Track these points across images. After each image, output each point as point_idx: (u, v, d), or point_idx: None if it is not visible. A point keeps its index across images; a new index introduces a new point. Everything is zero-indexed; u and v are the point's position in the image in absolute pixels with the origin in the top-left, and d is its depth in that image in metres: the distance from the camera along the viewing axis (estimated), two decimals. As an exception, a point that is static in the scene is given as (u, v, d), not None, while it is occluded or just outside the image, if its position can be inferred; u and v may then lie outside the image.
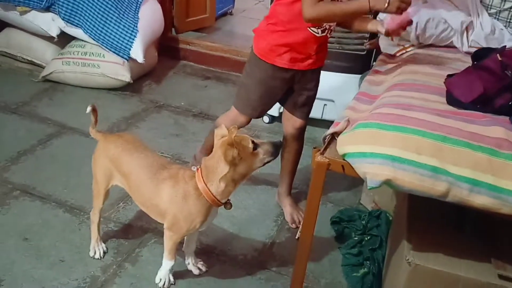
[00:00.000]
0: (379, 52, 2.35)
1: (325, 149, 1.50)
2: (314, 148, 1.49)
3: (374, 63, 2.77)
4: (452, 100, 1.55)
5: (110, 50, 3.19)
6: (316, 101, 2.87)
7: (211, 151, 1.64)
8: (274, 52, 1.89)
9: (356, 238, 2.12)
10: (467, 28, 2.08)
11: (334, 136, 1.55)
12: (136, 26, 3.23)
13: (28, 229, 2.09)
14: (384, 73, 2.03)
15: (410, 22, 1.79)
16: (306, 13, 1.71)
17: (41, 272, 1.88)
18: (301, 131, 2.16)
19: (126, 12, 3.24)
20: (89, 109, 1.87)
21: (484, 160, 1.28)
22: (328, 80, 2.84)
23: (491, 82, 1.52)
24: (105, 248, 2.00)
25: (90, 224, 1.97)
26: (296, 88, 2.03)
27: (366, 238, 2.11)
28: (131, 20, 3.24)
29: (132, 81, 3.25)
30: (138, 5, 3.33)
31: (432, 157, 1.30)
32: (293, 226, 2.25)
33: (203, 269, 1.95)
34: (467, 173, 1.27)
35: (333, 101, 2.90)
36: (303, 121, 2.13)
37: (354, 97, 1.83)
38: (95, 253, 1.97)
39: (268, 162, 1.62)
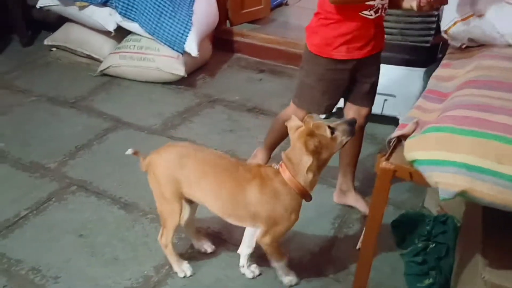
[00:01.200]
0: (446, 45, 2.17)
1: (391, 153, 1.38)
2: (379, 153, 1.37)
3: (440, 55, 2.59)
4: (536, 100, 1.39)
5: (165, 44, 3.18)
6: (377, 96, 2.78)
7: (274, 147, 1.61)
8: (330, 46, 1.83)
9: (420, 245, 1.98)
10: None
11: (400, 139, 1.42)
12: (191, 20, 3.19)
13: (84, 226, 2.10)
14: (454, 67, 1.86)
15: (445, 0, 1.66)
16: None
17: (95, 270, 1.88)
18: (366, 120, 2.09)
19: (181, 6, 3.21)
20: (130, 151, 1.77)
21: None
22: (390, 74, 2.69)
23: None
24: (190, 268, 1.88)
25: (163, 250, 1.84)
26: (358, 77, 1.95)
27: (431, 245, 1.96)
28: (186, 14, 3.20)
29: (186, 75, 3.22)
30: (193, -3, 3.29)
31: (516, 166, 1.15)
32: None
33: (257, 272, 1.89)
34: (558, 186, 1.12)
35: (394, 96, 2.74)
36: (369, 108, 2.06)
37: (422, 95, 1.68)
38: (184, 273, 1.87)
39: (347, 142, 1.61)
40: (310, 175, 1.60)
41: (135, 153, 1.77)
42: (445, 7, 2.05)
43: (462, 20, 1.89)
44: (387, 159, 1.34)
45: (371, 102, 2.06)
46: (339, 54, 1.84)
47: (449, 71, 1.84)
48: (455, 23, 1.92)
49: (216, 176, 1.67)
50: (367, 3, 1.73)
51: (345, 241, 2.09)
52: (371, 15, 1.76)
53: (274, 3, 4.45)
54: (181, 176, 1.68)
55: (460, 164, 1.19)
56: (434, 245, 1.96)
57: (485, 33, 1.88)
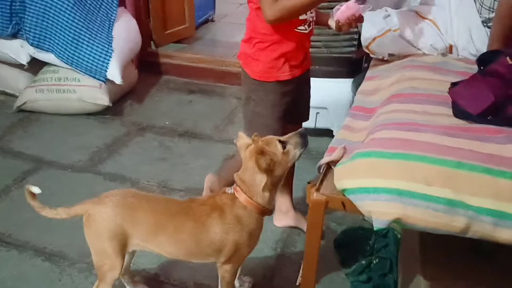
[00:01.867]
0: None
1: (321, 182, 1.31)
2: (308, 183, 1.30)
3: (366, 65, 2.60)
4: (459, 112, 1.38)
5: (85, 73, 3.00)
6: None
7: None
8: (274, 68, 1.77)
9: (363, 262, 1.93)
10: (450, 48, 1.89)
11: (330, 165, 1.36)
12: (111, 45, 3.04)
13: (3, 285, 1.90)
14: (378, 79, 1.85)
15: (361, 18, 1.67)
16: (268, 15, 1.62)
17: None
18: None
19: (99, 32, 3.04)
20: (35, 189, 1.56)
21: (507, 187, 1.10)
22: (319, 87, 2.63)
23: (501, 88, 1.35)
24: None
25: None
26: (296, 96, 1.90)
27: (374, 261, 1.92)
28: (105, 40, 3.04)
29: (111, 104, 3.06)
30: (111, 22, 3.13)
31: (445, 187, 1.12)
32: None
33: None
34: (489, 204, 1.09)
35: (326, 108, 2.72)
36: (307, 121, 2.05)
37: (349, 113, 1.65)
38: None
39: (301, 154, 1.56)
40: (267, 193, 1.53)
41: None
42: (363, 24, 2.06)
43: (380, 36, 1.90)
44: (318, 189, 1.27)
45: (308, 115, 2.06)
46: (285, 75, 1.79)
47: (373, 84, 1.83)
48: (374, 39, 1.93)
49: (172, 222, 1.55)
50: (300, 17, 1.70)
51: (288, 266, 2.01)
52: (305, 29, 1.75)
53: (199, 20, 4.36)
54: (132, 230, 1.53)
55: (390, 190, 1.15)
56: (377, 260, 1.92)
57: (402, 46, 1.91)
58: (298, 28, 1.73)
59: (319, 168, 1.39)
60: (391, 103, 1.50)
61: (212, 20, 4.68)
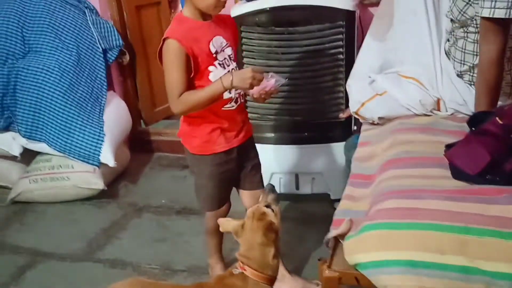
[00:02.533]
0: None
1: (332, 257, 1.30)
2: (319, 260, 1.29)
3: (355, 127, 2.66)
4: (457, 173, 1.40)
5: (78, 159, 3.01)
6: (304, 176, 2.77)
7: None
8: (210, 142, 1.90)
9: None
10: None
11: (338, 239, 1.36)
12: (103, 130, 3.07)
13: None
14: (372, 144, 1.88)
15: (275, 90, 1.78)
16: (173, 109, 1.78)
17: None
18: None
19: (90, 117, 3.09)
20: None
21: (519, 250, 1.10)
22: (312, 153, 2.71)
23: (495, 146, 1.38)
24: None
25: None
26: (243, 164, 2.04)
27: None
28: (96, 124, 3.08)
29: (106, 187, 3.05)
30: (102, 107, 3.19)
31: (458, 254, 1.12)
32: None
33: None
34: (504, 268, 1.09)
35: (321, 173, 2.74)
36: (262, 189, 2.06)
37: (348, 182, 1.66)
38: None
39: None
40: (276, 261, 1.55)
41: None
42: (350, 90, 2.13)
43: (368, 100, 1.96)
44: (329, 266, 1.27)
45: (262, 184, 2.12)
46: (220, 147, 1.91)
47: (367, 150, 1.85)
48: (362, 104, 1.98)
49: None
50: (225, 97, 1.81)
51: None
52: (232, 106, 1.88)
53: (186, 95, 4.45)
54: None
55: (403, 262, 1.14)
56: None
57: (391, 108, 1.96)
58: (225, 106, 1.86)
59: (327, 242, 1.38)
60: (389, 169, 1.52)
61: (199, 94, 4.77)
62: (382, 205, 1.31)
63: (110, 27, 3.35)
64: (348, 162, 2.26)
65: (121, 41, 3.35)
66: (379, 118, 1.96)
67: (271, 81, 1.72)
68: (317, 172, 2.74)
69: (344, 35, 2.45)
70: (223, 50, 1.83)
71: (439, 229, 1.16)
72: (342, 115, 2.55)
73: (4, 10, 3.10)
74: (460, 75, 1.87)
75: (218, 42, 1.80)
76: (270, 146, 2.70)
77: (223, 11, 1.82)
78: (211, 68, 1.80)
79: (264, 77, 1.71)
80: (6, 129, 3.06)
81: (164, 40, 1.74)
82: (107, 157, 3.03)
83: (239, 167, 2.02)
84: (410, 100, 1.90)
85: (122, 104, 3.43)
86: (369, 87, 2.06)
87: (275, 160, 2.73)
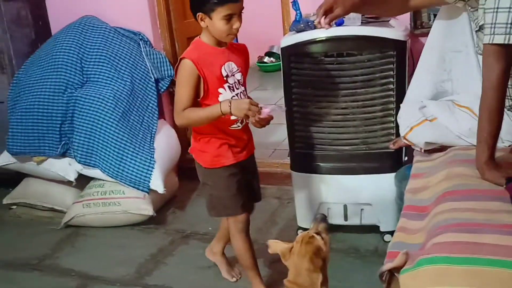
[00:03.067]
0: (410, 148, 2.20)
1: (387, 291, 1.27)
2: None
3: (406, 158, 2.61)
4: (519, 207, 1.34)
5: (129, 185, 3.09)
6: (352, 206, 2.73)
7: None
8: (220, 156, 2.10)
9: None
10: None
11: (393, 272, 1.32)
12: (153, 157, 3.15)
13: None
14: (425, 176, 1.83)
15: (270, 117, 1.94)
16: (175, 121, 2.04)
17: None
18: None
19: (142, 145, 3.18)
20: None
21: None
22: (361, 184, 2.67)
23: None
24: None
25: None
26: (248, 177, 2.26)
27: None
28: (147, 152, 3.17)
29: (155, 214, 3.11)
30: (153, 135, 3.28)
31: (521, 293, 1.06)
32: (233, 280, 2.50)
33: None
34: None
35: (370, 204, 2.69)
36: (259, 199, 2.42)
37: (402, 214, 1.62)
38: None
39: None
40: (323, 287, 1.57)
41: None
42: (401, 115, 2.11)
43: (417, 125, 1.94)
44: (386, 300, 1.23)
45: (260, 197, 2.42)
46: (229, 160, 2.11)
47: (421, 182, 1.81)
48: (411, 129, 1.97)
49: None
50: (232, 118, 2.00)
51: None
52: (238, 126, 2.09)
53: (233, 124, 4.51)
54: None
55: (463, 299, 1.10)
56: None
57: (440, 134, 1.93)
58: (232, 126, 2.07)
59: (381, 275, 1.34)
60: (446, 201, 1.48)
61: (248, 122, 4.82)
62: (439, 239, 1.26)
63: (162, 57, 3.47)
64: (399, 193, 2.22)
65: (172, 71, 3.46)
66: (426, 143, 1.93)
67: (265, 111, 1.88)
68: (366, 203, 2.69)
69: (395, 65, 2.43)
70: (234, 75, 2.03)
71: (499, 265, 1.11)
72: (392, 146, 2.50)
73: (65, 42, 3.28)
74: (510, 109, 1.82)
75: (229, 67, 2.02)
76: (318, 176, 2.68)
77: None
78: (221, 90, 2.00)
79: (260, 108, 1.88)
80: (63, 155, 3.19)
81: (180, 59, 1.98)
82: (157, 183, 3.09)
83: (245, 180, 2.22)
84: (460, 128, 1.86)
85: (172, 132, 3.52)
86: (419, 112, 2.03)
87: (323, 190, 2.70)
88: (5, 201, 3.47)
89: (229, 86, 2.02)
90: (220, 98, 1.98)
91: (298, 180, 2.79)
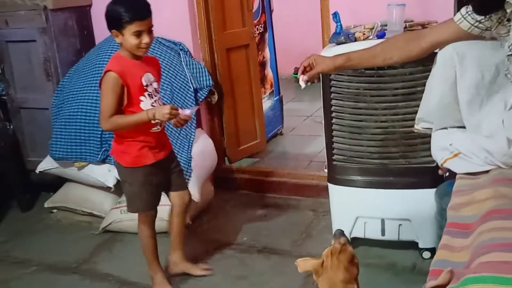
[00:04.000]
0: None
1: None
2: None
3: (447, 174, 2.54)
4: None
5: (166, 193, 3.12)
6: (390, 221, 2.68)
7: None
8: (141, 157, 2.36)
9: None
10: None
11: (436, 290, 1.28)
12: (190, 166, 3.19)
13: None
14: (468, 193, 1.78)
15: (189, 118, 2.34)
16: (102, 126, 2.29)
17: None
18: (189, 203, 2.69)
19: (179, 153, 3.21)
20: None
21: None
22: (400, 199, 2.62)
23: None
24: None
25: None
26: (168, 171, 2.54)
27: None
28: (185, 160, 3.20)
29: (190, 222, 3.13)
30: (191, 143, 3.31)
31: None
32: (209, 272, 2.71)
33: None
34: None
35: (409, 220, 2.63)
36: (187, 190, 2.68)
37: (445, 231, 1.57)
38: None
39: None
40: None
41: None
42: (432, 144, 2.04)
43: (450, 158, 1.91)
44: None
45: (186, 186, 2.70)
46: (149, 160, 2.37)
47: (464, 198, 1.75)
48: (445, 161, 1.92)
49: None
50: (153, 122, 2.28)
51: None
52: (158, 129, 2.38)
53: (269, 134, 4.53)
54: None
55: (512, 321, 1.06)
56: None
57: (476, 165, 1.86)
58: (153, 129, 2.35)
59: (425, 293, 1.31)
60: (492, 219, 1.43)
61: (281, 134, 4.84)
62: (486, 258, 1.22)
63: (201, 68, 3.52)
64: (440, 209, 2.16)
65: (211, 81, 3.50)
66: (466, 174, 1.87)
67: (185, 112, 2.27)
68: (404, 219, 2.64)
69: (437, 78, 2.39)
70: (151, 84, 2.32)
71: (553, 288, 1.06)
72: (441, 173, 2.43)
73: (108, 51, 3.36)
74: None
75: (148, 77, 2.30)
76: (356, 189, 2.65)
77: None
78: (142, 98, 2.27)
79: (180, 112, 2.24)
80: (103, 161, 3.26)
81: (105, 72, 2.24)
82: (194, 192, 3.11)
83: (166, 176, 2.51)
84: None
85: (209, 141, 3.55)
86: (449, 147, 1.98)
87: (361, 203, 2.67)
88: (46, 205, 3.57)
89: (148, 94, 2.30)
90: (142, 105, 2.27)
91: (335, 193, 2.76)
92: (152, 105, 2.30)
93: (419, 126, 2.18)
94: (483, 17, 1.76)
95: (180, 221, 2.67)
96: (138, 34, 2.18)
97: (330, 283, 1.48)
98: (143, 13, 2.19)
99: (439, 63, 1.96)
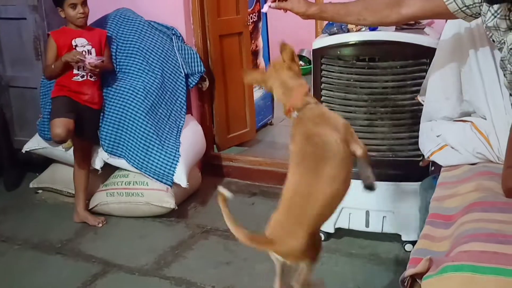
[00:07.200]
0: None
1: (409, 297, 1.26)
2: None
3: (432, 168, 2.57)
4: (550, 222, 1.32)
5: (153, 177, 3.13)
6: (374, 213, 2.70)
7: None
8: (62, 91, 2.97)
9: None
10: None
11: (415, 278, 1.31)
12: (178, 151, 3.19)
13: None
14: (452, 185, 1.81)
15: (99, 64, 2.97)
16: (44, 74, 3.10)
17: None
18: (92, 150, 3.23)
19: (168, 138, 3.22)
20: None
21: None
22: (385, 191, 2.64)
23: None
24: None
25: None
26: (81, 113, 3.01)
27: None
28: (173, 146, 3.20)
29: (177, 207, 3.14)
30: (179, 129, 3.31)
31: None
32: (99, 224, 3.13)
33: None
34: None
35: (392, 212, 2.66)
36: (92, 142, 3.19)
37: (427, 222, 1.60)
38: None
39: None
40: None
41: None
42: (420, 137, 2.08)
43: (437, 151, 1.97)
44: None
45: (96, 140, 3.21)
46: (69, 94, 2.98)
47: (448, 191, 1.79)
48: (432, 154, 1.95)
49: None
50: (74, 72, 2.94)
51: None
52: (78, 79, 2.96)
53: (259, 124, 4.54)
54: None
55: (488, 309, 1.08)
56: None
57: (462, 157, 1.90)
58: (73, 78, 2.95)
59: (403, 281, 1.33)
60: (473, 211, 1.46)
61: (271, 124, 4.84)
62: (466, 247, 1.25)
63: (194, 53, 3.51)
64: (424, 203, 2.19)
65: (203, 68, 3.50)
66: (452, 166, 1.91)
67: (89, 60, 2.88)
68: (388, 211, 2.67)
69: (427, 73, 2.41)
70: (84, 46, 2.95)
71: (528, 277, 1.09)
72: (422, 164, 2.47)
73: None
74: None
75: (80, 41, 2.95)
76: (342, 180, 2.66)
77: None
78: None
79: (86, 60, 2.86)
80: (91, 143, 3.24)
81: (48, 35, 2.99)
82: (181, 177, 3.12)
83: (80, 123, 2.99)
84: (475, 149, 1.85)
85: (198, 128, 3.55)
86: (437, 138, 2.02)
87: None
88: (31, 185, 3.55)
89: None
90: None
91: (321, 183, 2.78)
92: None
93: (421, 98, 2.22)
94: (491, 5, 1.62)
95: (85, 172, 3.16)
96: (74, 6, 2.87)
97: (279, 83, 1.57)
98: None
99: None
